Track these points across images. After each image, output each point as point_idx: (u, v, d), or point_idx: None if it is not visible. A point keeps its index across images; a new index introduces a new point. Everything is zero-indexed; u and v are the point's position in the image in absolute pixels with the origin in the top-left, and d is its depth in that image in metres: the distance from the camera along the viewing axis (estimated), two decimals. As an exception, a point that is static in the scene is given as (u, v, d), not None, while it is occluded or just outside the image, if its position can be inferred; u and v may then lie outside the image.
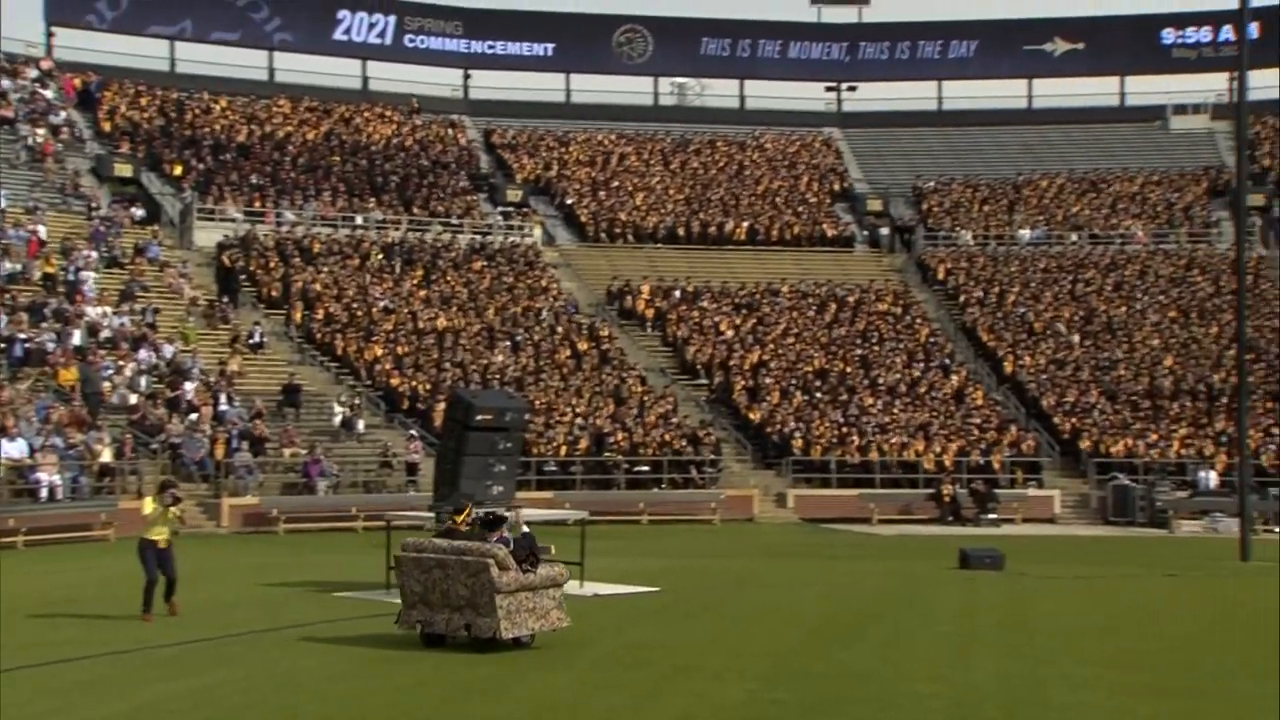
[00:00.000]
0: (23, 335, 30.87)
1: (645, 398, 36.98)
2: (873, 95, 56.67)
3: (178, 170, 43.22)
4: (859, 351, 40.62)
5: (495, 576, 12.54)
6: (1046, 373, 39.59)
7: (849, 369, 39.62)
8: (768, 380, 38.43)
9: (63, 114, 43.74)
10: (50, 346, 31.21)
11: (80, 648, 13.18)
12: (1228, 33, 52.34)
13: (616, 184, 49.81)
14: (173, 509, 15.26)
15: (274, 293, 38.80)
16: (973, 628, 15.17)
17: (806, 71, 56.71)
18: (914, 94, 56.32)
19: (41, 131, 41.59)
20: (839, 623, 15.65)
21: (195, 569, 18.67)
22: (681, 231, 47.39)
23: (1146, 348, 40.68)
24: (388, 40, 53.72)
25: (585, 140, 52.31)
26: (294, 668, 12.29)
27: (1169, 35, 55.19)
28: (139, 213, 40.51)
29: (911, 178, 51.90)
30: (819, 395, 38.08)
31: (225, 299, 37.94)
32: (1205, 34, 54.70)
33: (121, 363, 32.30)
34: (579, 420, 35.08)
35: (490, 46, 55.26)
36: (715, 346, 40.28)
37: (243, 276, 39.23)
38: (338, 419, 33.63)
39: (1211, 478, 33.97)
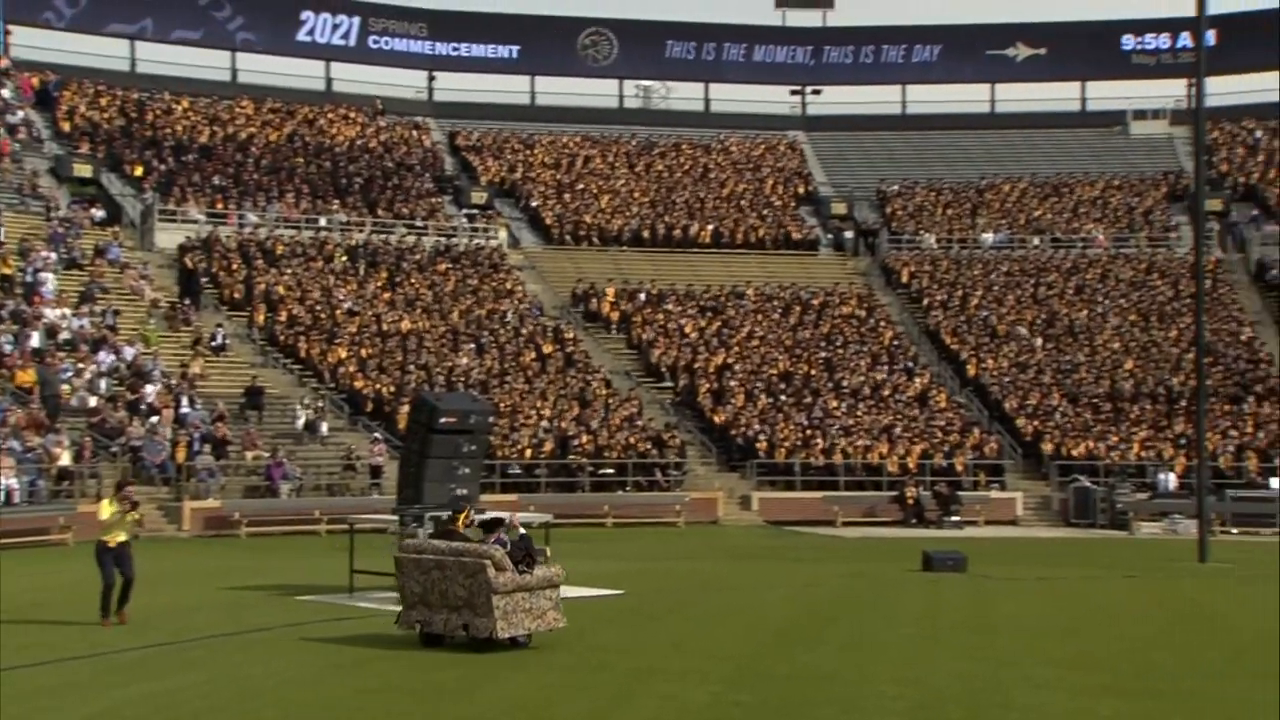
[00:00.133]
0: (-20, 337, 30.56)
1: (610, 400, 36.98)
2: (837, 99, 56.99)
3: (138, 171, 42.86)
4: (823, 354, 40.77)
5: (492, 577, 12.75)
6: (1009, 375, 39.85)
7: (813, 372, 39.76)
8: (732, 383, 38.51)
9: (20, 113, 43.29)
10: (8, 349, 30.91)
11: (38, 653, 13.05)
12: (1186, 40, 52.92)
13: (581, 186, 49.79)
14: (131, 514, 15.11)
15: (236, 295, 38.56)
16: (935, 629, 15.25)
17: (771, 75, 56.92)
18: (878, 98, 56.71)
19: (-1, 131, 41.22)
20: (803, 625, 15.70)
21: (156, 573, 18.53)
22: (646, 234, 47.43)
23: (1107, 351, 41.02)
24: (352, 41, 53.51)
25: (550, 143, 52.27)
26: (256, 672, 12.21)
27: (1129, 41, 55.73)
28: (99, 214, 40.16)
29: (875, 181, 52.15)
30: (783, 398, 38.19)
31: (187, 301, 37.65)
32: (1164, 41, 55.26)
33: (81, 365, 32.02)
34: (544, 423, 35.04)
35: (455, 48, 55.13)
36: (680, 349, 40.32)
37: (205, 278, 38.96)
38: (301, 421, 33.46)
39: (1171, 480, 34.28)
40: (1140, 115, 55.08)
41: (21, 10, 48.27)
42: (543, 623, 13.20)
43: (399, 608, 16.28)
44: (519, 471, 33.30)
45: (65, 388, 30.90)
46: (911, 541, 26.86)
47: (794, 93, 57.26)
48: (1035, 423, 37.38)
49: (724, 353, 40.21)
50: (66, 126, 44.12)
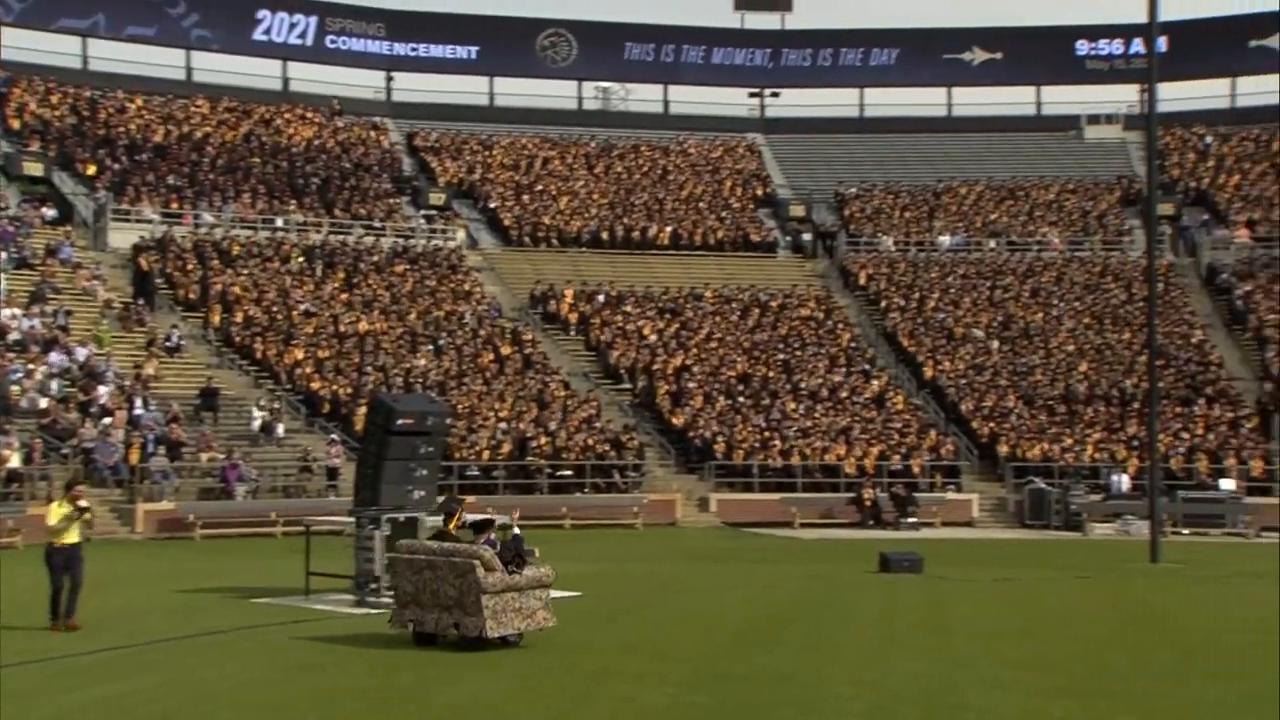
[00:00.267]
0: (-71, 337, 30.13)
1: (568, 402, 36.94)
2: (795, 101, 57.17)
3: (91, 170, 42.39)
4: (781, 356, 40.90)
5: (481, 577, 12.94)
6: (965, 378, 40.13)
7: (771, 373, 39.88)
8: (691, 385, 38.56)
9: (-31, 111, 42.78)
10: (-42, 349, 30.48)
11: (-13, 658, 12.87)
12: (1138, 45, 53.49)
13: (540, 188, 49.71)
14: (84, 515, 14.93)
15: (191, 295, 38.22)
16: (892, 630, 15.33)
17: (730, 77, 57.06)
18: (836, 100, 56.98)
19: (-53, 129, 40.70)
20: (760, 626, 15.73)
21: (108, 575, 18.34)
22: (605, 235, 47.42)
23: (1062, 353, 41.38)
24: (309, 41, 53.15)
25: (509, 144, 52.16)
26: (210, 675, 12.10)
27: (1083, 47, 56.26)
28: (50, 213, 39.69)
29: (834, 184, 52.37)
30: (741, 400, 38.28)
31: (141, 301, 37.29)
32: (1117, 46, 55.84)
33: (32, 366, 31.63)
34: (502, 424, 34.95)
35: (413, 49, 54.90)
36: (638, 351, 40.33)
37: (159, 279, 38.59)
38: (257, 423, 33.21)
39: (1124, 481, 34.62)
40: (1094, 120, 55.64)
41: (-33, 5, 47.63)
42: (532, 622, 13.39)
43: (358, 611, 16.21)
44: (477, 473, 33.18)
45: (15, 389, 30.52)
46: (868, 543, 26.98)
47: (752, 95, 57.44)
48: (991, 424, 37.66)
49: (682, 354, 40.26)
50: (16, 124, 43.58)
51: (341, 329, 38.07)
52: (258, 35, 52.30)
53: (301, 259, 41.24)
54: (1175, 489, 33.24)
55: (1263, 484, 34.86)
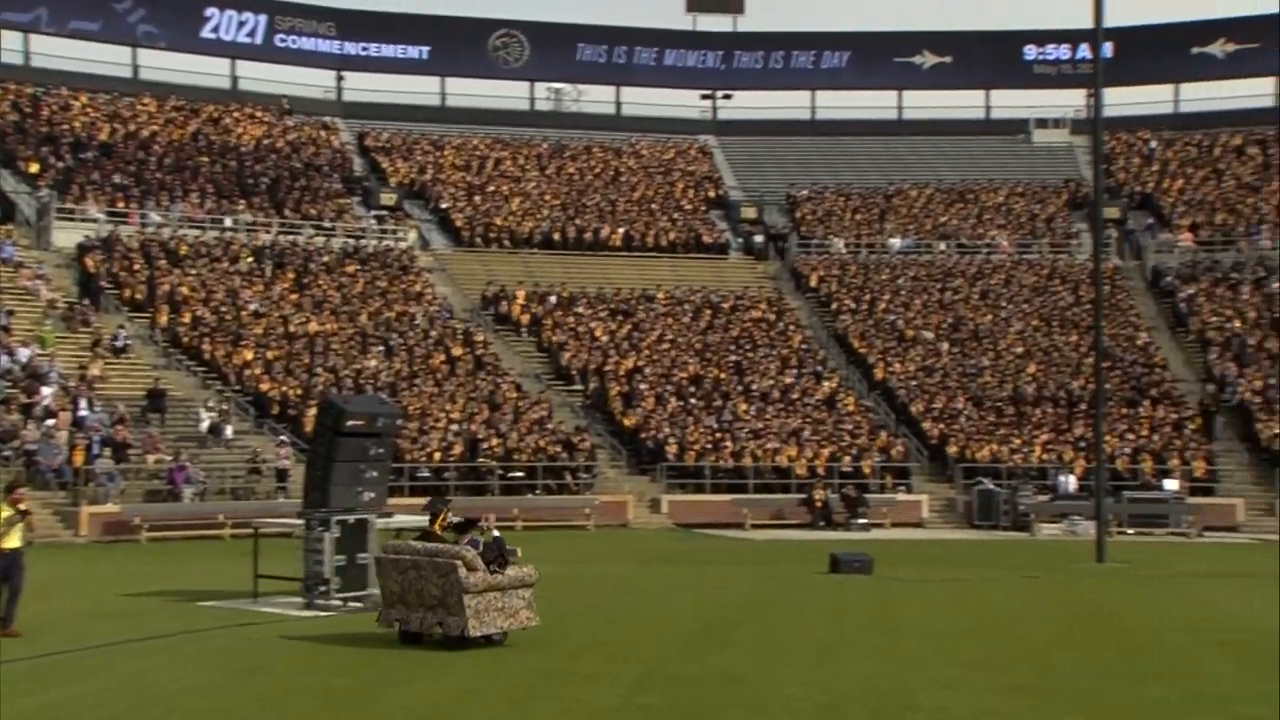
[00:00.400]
0: None
1: (520, 403, 36.85)
2: (747, 104, 57.32)
3: (34, 168, 41.77)
4: (733, 358, 41.01)
5: (463, 577, 13.18)
6: (915, 379, 40.40)
7: (723, 375, 39.97)
8: (642, 386, 38.58)
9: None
10: (-103, 350, 29.97)
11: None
12: (1085, 51, 54.02)
13: (492, 188, 49.57)
14: (25, 519, 14.71)
15: (138, 295, 37.79)
16: (842, 631, 15.40)
17: (682, 79, 57.14)
18: (788, 103, 57.12)
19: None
20: (712, 627, 15.76)
21: (50, 580, 18.09)
22: (557, 237, 47.35)
23: (1011, 355, 41.75)
24: (258, 40, 52.68)
25: (461, 144, 51.97)
26: (154, 680, 11.97)
27: (1031, 51, 56.80)
28: (-8, 212, 39.15)
29: (785, 186, 52.57)
30: (693, 401, 38.34)
31: (86, 301, 36.82)
32: (1064, 51, 56.41)
33: (-26, 367, 31.16)
34: (453, 426, 34.81)
35: (364, 48, 54.56)
36: (590, 352, 40.30)
37: (105, 279, 38.11)
38: (205, 424, 32.88)
39: (1071, 482, 34.97)
40: (1042, 124, 56.19)
41: (-96, -2, 46.80)
42: (515, 621, 13.62)
43: (307, 613, 16.11)
44: (428, 474, 33.02)
45: (-43, 390, 30.06)
46: (819, 544, 27.08)
47: (705, 97, 57.55)
48: (941, 426, 37.94)
49: (634, 356, 40.27)
50: (-42, 122, 42.97)
51: (291, 330, 37.77)
52: (206, 33, 51.75)
53: (251, 259, 40.89)
54: (1121, 489, 33.62)
55: (1205, 484, 35.37)
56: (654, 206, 50.01)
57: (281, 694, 11.32)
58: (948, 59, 56.58)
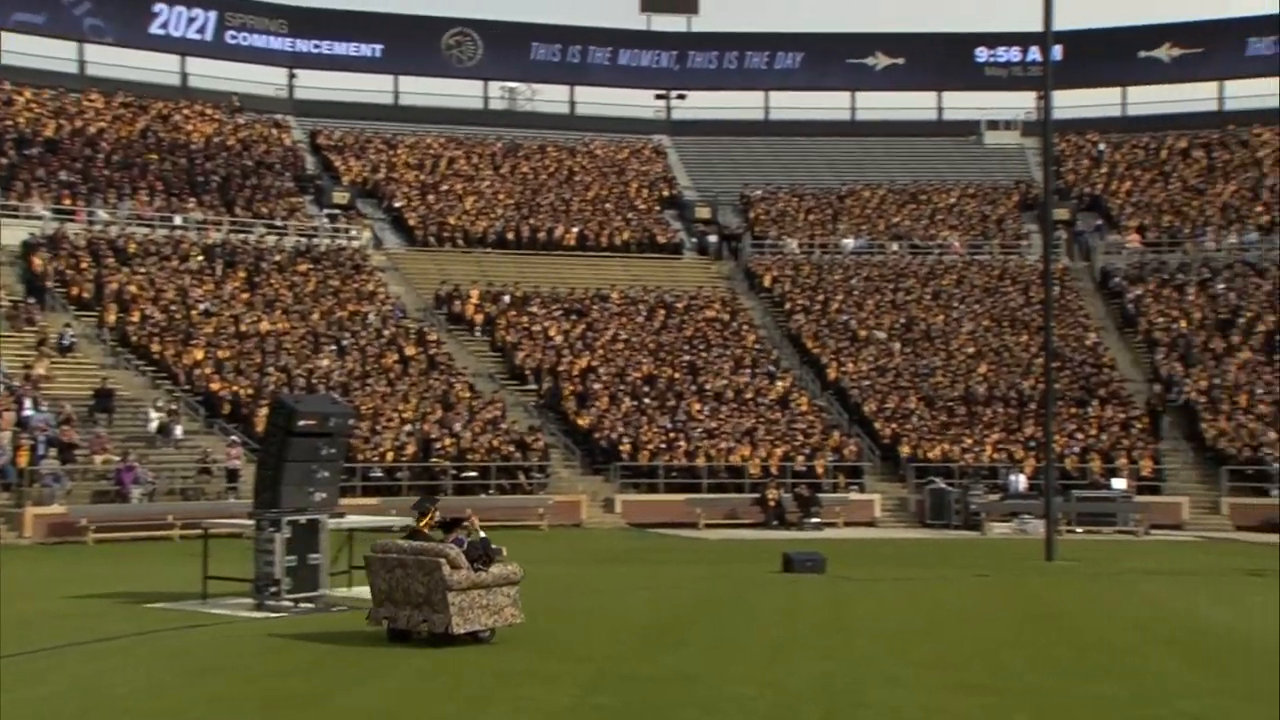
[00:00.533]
0: None
1: (473, 403, 36.74)
2: (701, 104, 57.47)
3: (-21, 164, 41.25)
4: (687, 357, 41.08)
5: (447, 575, 13.32)
6: (868, 379, 40.63)
7: (677, 375, 40.03)
8: (596, 386, 38.56)
9: None
10: None
11: None
12: (1035, 54, 54.58)
13: (445, 188, 49.38)
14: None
15: (85, 294, 37.34)
16: (795, 630, 15.45)
17: (636, 79, 57.17)
18: (742, 103, 57.30)
19: None
20: (665, 627, 15.77)
21: (-4, 583, 17.83)
22: (511, 236, 47.23)
23: (962, 355, 42.08)
24: (208, 36, 52.17)
25: (414, 143, 51.74)
26: (103, 683, 11.82)
27: (982, 54, 57.29)
28: (-65, 209, 38.55)
29: (739, 186, 52.73)
30: (647, 401, 38.36)
31: (32, 300, 36.34)
32: (1015, 54, 56.94)
33: (-83, 366, 30.68)
34: (406, 426, 34.65)
35: (316, 46, 54.19)
36: (544, 352, 40.24)
37: (52, 277, 37.62)
38: (154, 424, 32.54)
39: (1021, 481, 35.27)
40: (993, 125, 56.68)
41: None
42: (500, 619, 13.73)
43: (257, 614, 15.99)
44: (380, 475, 32.86)
45: (-100, 390, 29.59)
46: (772, 543, 27.19)
47: (659, 97, 57.62)
48: (893, 425, 38.18)
49: (588, 355, 40.25)
50: (-101, 117, 42.28)
51: (242, 329, 37.45)
52: (154, 29, 51.18)
53: (201, 258, 40.51)
54: (1070, 488, 33.94)
55: (1152, 483, 35.83)
56: (608, 206, 50.01)
57: (231, 696, 11.22)
58: (900, 60, 56.97)
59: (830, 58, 57.07)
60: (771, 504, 34.18)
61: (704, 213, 50.65)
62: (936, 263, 47.73)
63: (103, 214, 41.39)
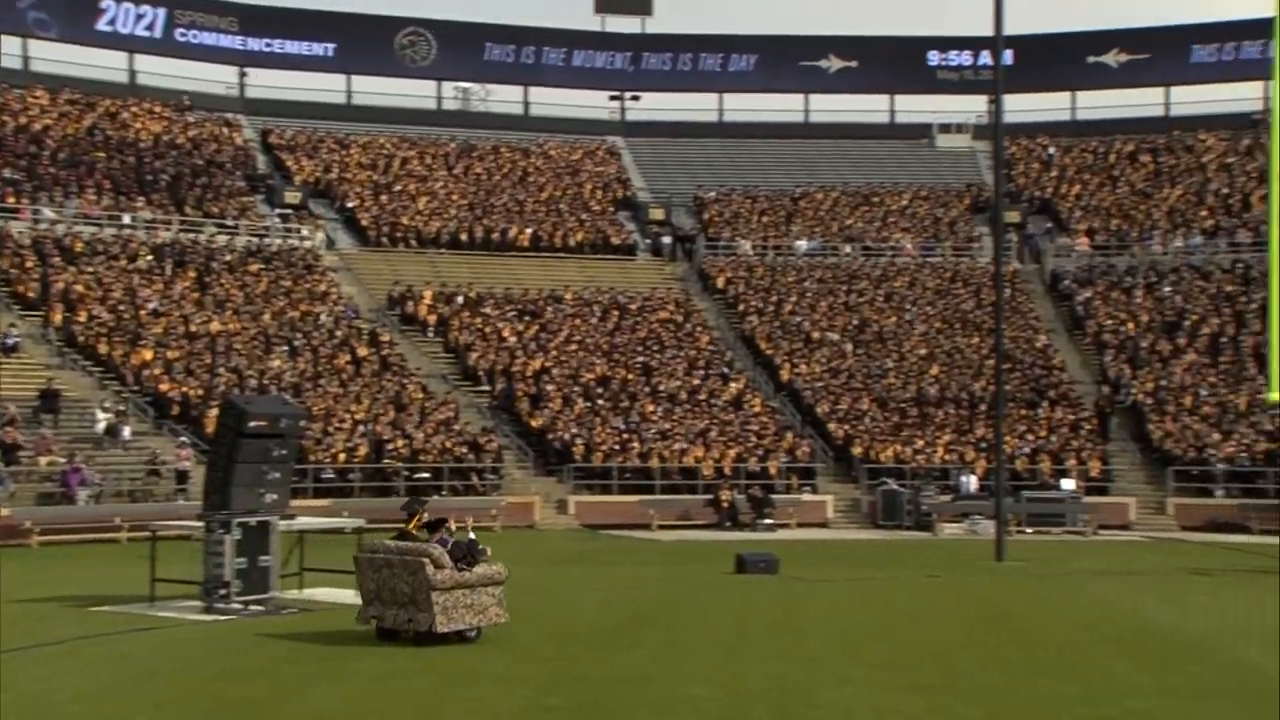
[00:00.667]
0: None
1: (426, 404, 36.57)
2: (655, 105, 57.49)
3: (-79, 161, 40.59)
4: (641, 359, 41.09)
5: (431, 574, 13.54)
6: (821, 380, 40.81)
7: (631, 376, 40.02)
8: (550, 387, 38.49)
9: None
10: None
11: None
12: (986, 57, 55.07)
13: (399, 188, 49.13)
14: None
15: (30, 294, 36.82)
16: (747, 631, 15.49)
17: (590, 79, 57.11)
18: (696, 105, 57.41)
19: None
20: (618, 628, 15.76)
21: (-62, 586, 17.55)
22: (464, 237, 47.06)
23: (914, 357, 42.34)
24: (157, 34, 51.55)
25: (367, 143, 51.44)
26: (47, 688, 11.64)
27: (934, 57, 57.70)
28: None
29: (693, 187, 52.82)
30: (601, 402, 38.34)
31: (-24, 299, 35.82)
32: (967, 58, 57.40)
33: None
34: (358, 427, 34.44)
35: (268, 44, 53.72)
36: (498, 353, 40.12)
37: (-4, 276, 37.14)
38: (101, 425, 32.13)
39: (972, 482, 35.54)
40: (945, 129, 57.07)
41: None
42: (484, 618, 13.92)
43: (206, 617, 15.87)
44: (332, 476, 32.64)
45: None
46: (725, 544, 27.25)
47: (613, 98, 57.58)
48: (846, 427, 38.36)
49: (542, 356, 40.17)
50: None
51: (192, 329, 37.08)
52: (102, 25, 50.48)
53: (150, 257, 40.06)
54: (1020, 489, 34.22)
55: (1100, 484, 36.21)
56: (562, 207, 49.93)
57: (178, 700, 11.10)
58: (853, 64, 57.25)
59: (784, 60, 57.27)
60: (725, 505, 34.25)
61: (658, 214, 50.67)
62: (889, 265, 48.01)
63: (48, 212, 40.83)
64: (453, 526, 14.83)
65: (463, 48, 55.62)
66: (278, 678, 12.07)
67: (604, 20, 57.46)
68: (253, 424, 17.31)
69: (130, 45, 51.15)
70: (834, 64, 57.39)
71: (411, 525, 15.00)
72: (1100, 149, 53.90)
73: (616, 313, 43.63)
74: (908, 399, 40.01)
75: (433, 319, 41.83)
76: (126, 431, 32.28)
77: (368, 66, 54.57)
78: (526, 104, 56.96)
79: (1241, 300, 43.04)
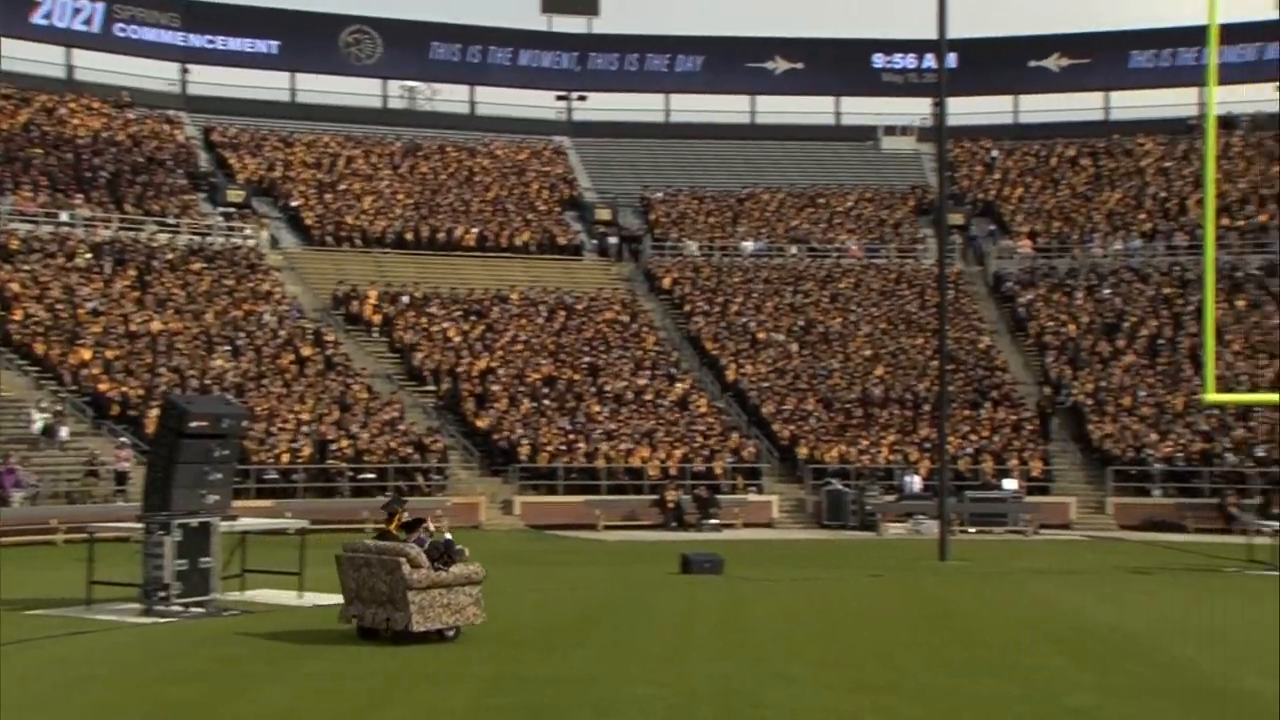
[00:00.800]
0: None
1: (371, 404, 36.32)
2: (602, 105, 57.42)
3: None
4: (587, 359, 41.04)
5: (407, 574, 13.65)
6: (767, 381, 40.95)
7: (577, 376, 39.97)
8: (495, 387, 38.36)
9: None
10: None
11: None
12: (931, 61, 55.51)
13: (343, 187, 48.76)
14: None
15: (-34, 292, 36.21)
16: (692, 631, 15.51)
17: (537, 79, 56.96)
18: (642, 105, 57.41)
19: None
20: (564, 628, 15.73)
21: None
22: (410, 236, 46.79)
23: (859, 358, 42.59)
24: (95, 28, 50.76)
25: (311, 142, 51.00)
26: (-20, 694, 11.44)
27: (879, 60, 58.08)
28: None
29: (639, 188, 52.81)
30: (547, 402, 38.25)
31: (-90, 297, 35.15)
32: (911, 61, 57.83)
33: None
34: (303, 427, 34.14)
35: (210, 41, 53.09)
36: (443, 353, 39.93)
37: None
38: (37, 426, 31.63)
39: (916, 482, 35.78)
40: (890, 131, 57.43)
41: None
42: (461, 618, 14.03)
43: (145, 620, 15.68)
44: (276, 476, 32.33)
45: None
46: (671, 544, 27.28)
47: (560, 98, 57.47)
48: (791, 427, 38.52)
49: (487, 357, 40.02)
50: None
51: (132, 329, 36.60)
52: (37, 19, 49.55)
53: (89, 255, 39.49)
54: (963, 489, 34.53)
55: (1041, 483, 36.61)
56: (508, 207, 49.78)
57: (114, 705, 10.94)
58: (799, 65, 57.50)
59: (730, 61, 57.42)
60: (670, 505, 34.29)
61: (604, 214, 50.65)
62: (834, 266, 48.26)
63: (-15, 209, 40.17)
64: (431, 527, 14.92)
65: (408, 46, 55.29)
66: (218, 679, 11.92)
67: (550, 20, 57.34)
68: (194, 424, 17.13)
69: (68, 40, 50.32)
70: (780, 65, 57.62)
71: (392, 525, 15.07)
72: (1042, 152, 54.50)
73: (563, 313, 43.56)
74: (853, 399, 40.23)
75: (378, 319, 41.56)
76: (64, 432, 31.80)
77: (312, 64, 54.11)
78: (472, 103, 56.72)
79: (1179, 303, 43.68)
